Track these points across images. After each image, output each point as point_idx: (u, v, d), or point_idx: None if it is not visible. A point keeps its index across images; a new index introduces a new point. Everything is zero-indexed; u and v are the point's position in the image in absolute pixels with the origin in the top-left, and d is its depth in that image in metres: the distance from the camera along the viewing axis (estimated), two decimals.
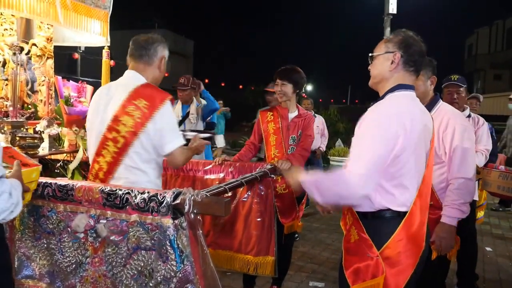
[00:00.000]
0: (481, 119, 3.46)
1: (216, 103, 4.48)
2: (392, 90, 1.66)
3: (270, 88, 4.40)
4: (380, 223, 1.61)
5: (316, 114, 6.24)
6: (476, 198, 3.36)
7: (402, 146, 1.55)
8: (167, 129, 1.90)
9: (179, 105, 4.36)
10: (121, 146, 1.86)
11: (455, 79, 3.16)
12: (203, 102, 4.39)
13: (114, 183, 1.87)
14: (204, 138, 2.27)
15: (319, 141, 6.06)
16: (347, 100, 44.89)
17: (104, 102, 1.96)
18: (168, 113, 1.92)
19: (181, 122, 4.24)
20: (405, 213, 1.60)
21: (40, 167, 1.64)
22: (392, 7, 11.72)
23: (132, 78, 1.98)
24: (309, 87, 38.40)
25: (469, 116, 3.38)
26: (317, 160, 6.19)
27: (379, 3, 12.27)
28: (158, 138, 1.88)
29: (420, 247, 1.63)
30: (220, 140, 10.04)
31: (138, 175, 1.91)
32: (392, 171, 1.57)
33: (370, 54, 1.75)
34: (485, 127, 3.40)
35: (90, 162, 2.04)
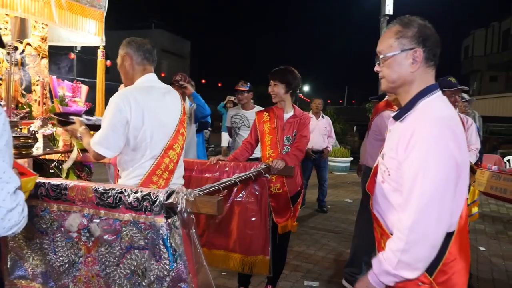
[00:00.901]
0: (470, 120, 3.56)
1: (208, 108, 4.18)
2: (422, 95, 1.42)
3: (240, 87, 4.38)
4: None
5: (324, 115, 6.29)
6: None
7: (461, 168, 1.35)
8: None
9: None
10: (185, 138, 2.30)
11: (455, 81, 3.26)
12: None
13: (178, 170, 2.27)
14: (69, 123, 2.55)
15: (326, 142, 6.15)
16: (344, 101, 44.96)
17: (168, 104, 2.23)
18: None
19: None
20: (452, 232, 1.39)
21: (37, 176, 1.63)
22: (389, 8, 11.75)
23: (159, 81, 2.28)
24: (306, 88, 38.45)
25: None
26: (324, 161, 6.25)
27: (376, 4, 12.31)
28: None
29: (469, 261, 1.47)
30: (225, 138, 9.79)
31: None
32: None
33: (381, 56, 1.48)
34: (474, 127, 3.53)
35: (152, 159, 2.12)
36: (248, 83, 4.38)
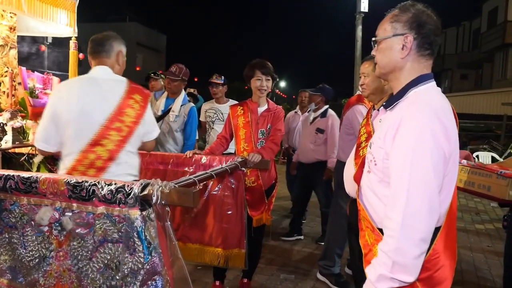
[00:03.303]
0: None
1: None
2: (414, 84, 1.37)
3: (214, 79, 4.30)
4: None
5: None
6: None
7: (449, 161, 1.29)
8: (152, 119, 2.28)
9: (163, 98, 3.86)
10: (125, 134, 2.08)
11: None
12: (190, 104, 3.86)
13: (116, 168, 2.06)
14: None
15: None
16: None
17: (100, 95, 2.05)
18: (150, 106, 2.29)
19: (159, 119, 3.65)
20: (438, 227, 1.35)
21: None
22: (364, 6, 11.93)
23: (108, 73, 2.13)
24: (282, 84, 38.60)
25: None
26: None
27: (351, 1, 12.46)
28: (147, 127, 2.20)
29: (455, 259, 1.44)
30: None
31: (134, 158, 2.17)
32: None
33: (373, 39, 1.45)
34: None
35: (74, 153, 2.00)
36: (223, 76, 4.31)
